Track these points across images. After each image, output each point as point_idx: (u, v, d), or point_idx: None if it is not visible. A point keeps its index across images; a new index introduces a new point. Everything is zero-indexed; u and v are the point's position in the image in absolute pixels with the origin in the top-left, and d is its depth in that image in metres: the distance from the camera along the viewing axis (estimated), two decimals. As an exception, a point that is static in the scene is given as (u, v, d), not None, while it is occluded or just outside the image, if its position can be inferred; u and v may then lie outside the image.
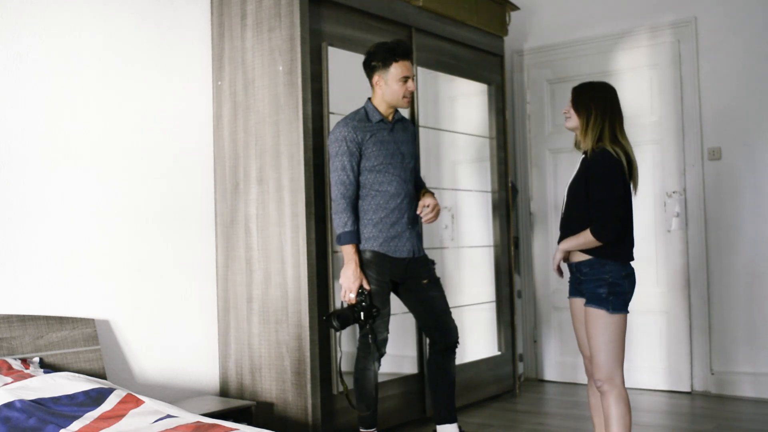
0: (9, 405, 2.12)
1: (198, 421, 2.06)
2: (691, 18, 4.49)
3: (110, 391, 2.32)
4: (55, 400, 2.22)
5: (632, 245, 2.72)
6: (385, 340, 3.07)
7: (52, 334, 2.83)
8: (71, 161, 3.03)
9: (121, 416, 2.15)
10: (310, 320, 3.20)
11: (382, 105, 3.11)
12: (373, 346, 3.01)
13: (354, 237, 3.01)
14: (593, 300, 2.65)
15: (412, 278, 3.14)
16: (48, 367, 2.75)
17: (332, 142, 3.06)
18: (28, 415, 2.09)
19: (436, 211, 3.14)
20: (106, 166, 3.16)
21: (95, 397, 2.27)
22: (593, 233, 2.61)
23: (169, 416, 2.15)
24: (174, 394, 3.31)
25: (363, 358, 3.04)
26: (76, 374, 2.45)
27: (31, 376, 2.40)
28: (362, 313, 2.95)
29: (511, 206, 4.61)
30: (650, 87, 4.64)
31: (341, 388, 3.17)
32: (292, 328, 3.25)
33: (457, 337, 3.21)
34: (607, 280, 2.65)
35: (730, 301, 4.35)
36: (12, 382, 2.30)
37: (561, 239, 2.78)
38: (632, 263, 2.73)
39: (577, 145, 2.87)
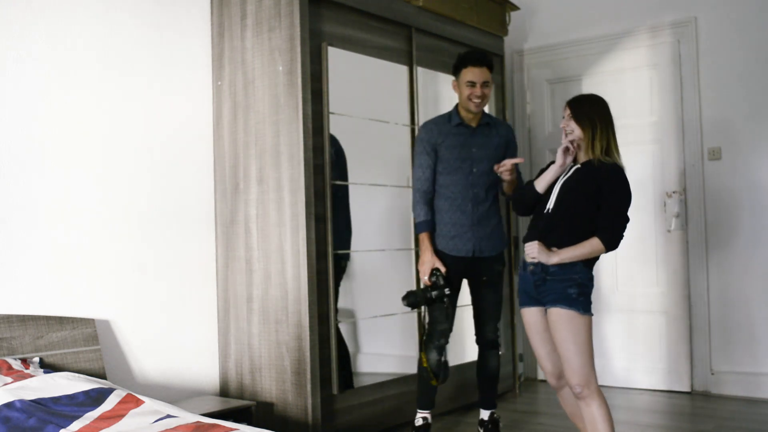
0: (9, 405, 2.12)
1: (198, 421, 2.06)
2: (691, 18, 4.49)
3: (110, 391, 2.32)
4: (55, 400, 2.22)
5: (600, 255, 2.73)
6: (444, 332, 3.25)
7: (52, 334, 2.83)
8: (71, 161, 3.03)
9: (121, 416, 2.15)
10: (310, 320, 3.20)
11: (462, 110, 3.33)
12: (428, 333, 3.25)
13: (426, 226, 3.30)
14: (562, 301, 2.60)
15: (476, 274, 3.38)
16: (48, 367, 2.75)
17: (416, 141, 3.40)
18: (28, 415, 2.09)
19: (508, 169, 3.13)
20: (106, 166, 3.16)
21: (95, 397, 2.27)
22: (605, 242, 2.62)
23: (169, 416, 2.15)
24: (174, 394, 3.31)
25: (425, 346, 3.27)
26: (76, 374, 2.45)
27: (31, 376, 2.40)
28: (434, 293, 3.18)
29: (511, 206, 4.61)
30: (650, 87, 4.64)
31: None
32: (292, 328, 3.25)
33: (492, 339, 3.42)
34: (576, 281, 2.62)
35: (729, 301, 4.35)
36: (12, 382, 2.30)
37: (540, 240, 2.68)
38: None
39: (575, 161, 2.80)
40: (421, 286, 3.28)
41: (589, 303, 2.63)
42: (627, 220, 2.68)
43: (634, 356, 4.68)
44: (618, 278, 4.69)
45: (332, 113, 3.42)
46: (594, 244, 2.62)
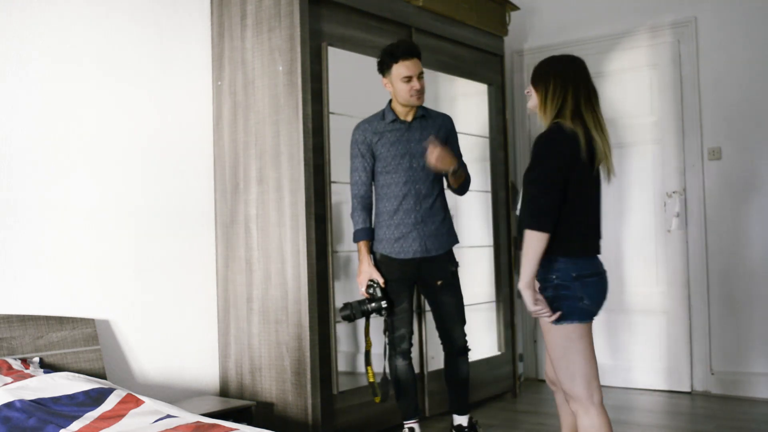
0: (9, 405, 2.12)
1: (198, 421, 2.06)
2: (691, 18, 4.49)
3: (110, 391, 2.32)
4: (55, 400, 2.22)
5: (586, 237, 2.28)
6: (403, 337, 3.16)
7: (52, 334, 2.83)
8: (72, 161, 3.03)
9: (121, 416, 2.15)
10: (310, 320, 3.20)
11: (397, 105, 3.18)
12: (388, 341, 3.14)
13: (363, 234, 3.13)
14: None
15: (427, 278, 3.21)
16: (48, 367, 2.75)
17: (351, 144, 3.19)
18: (28, 415, 2.09)
19: (436, 154, 2.98)
20: (107, 167, 3.16)
21: (95, 397, 2.27)
22: (526, 226, 2.18)
23: (169, 416, 2.15)
24: (174, 394, 3.31)
25: (388, 355, 3.18)
26: (76, 374, 2.46)
27: (31, 376, 2.40)
28: (370, 306, 3.05)
29: (511, 206, 4.61)
30: (650, 87, 4.64)
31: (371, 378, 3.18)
32: (292, 328, 3.25)
33: (463, 344, 3.26)
34: (552, 282, 2.24)
35: (729, 301, 4.35)
36: (12, 382, 2.30)
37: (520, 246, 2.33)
38: (596, 265, 2.30)
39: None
40: (358, 298, 3.11)
41: (569, 309, 2.22)
42: (544, 188, 2.18)
43: (634, 356, 4.68)
44: (619, 278, 4.69)
45: (332, 113, 3.42)
46: (526, 236, 2.19)
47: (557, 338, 2.25)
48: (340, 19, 3.50)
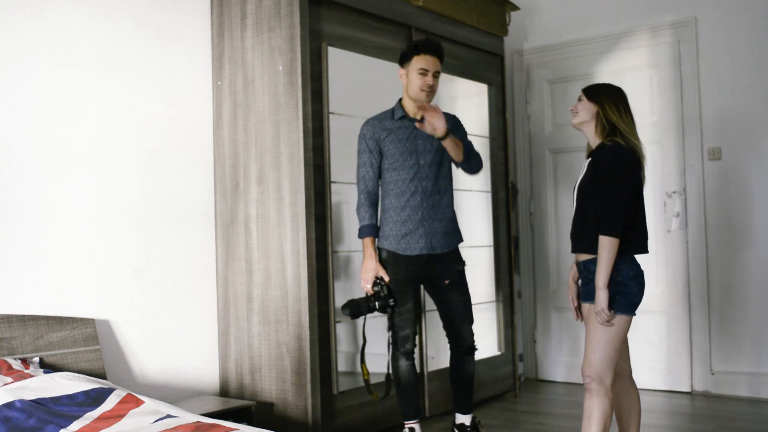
0: (9, 405, 2.12)
1: (198, 421, 2.06)
2: (691, 18, 4.49)
3: (110, 391, 2.32)
4: (55, 400, 2.22)
5: (641, 237, 2.61)
6: (407, 337, 3.17)
7: (52, 334, 2.83)
8: (72, 161, 3.03)
9: (121, 416, 2.15)
10: (310, 320, 3.20)
11: (408, 102, 3.21)
12: (391, 341, 3.13)
13: (369, 230, 3.13)
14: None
15: (434, 277, 3.22)
16: (48, 367, 2.75)
17: (358, 140, 3.22)
18: (28, 415, 2.09)
19: (431, 113, 3.03)
20: (107, 167, 3.16)
21: (95, 397, 2.27)
22: (604, 231, 2.50)
23: (169, 416, 2.15)
24: (174, 394, 3.31)
25: (392, 355, 3.17)
26: (76, 374, 2.45)
27: (31, 376, 2.40)
28: (377, 303, 3.04)
29: (511, 206, 4.61)
30: (650, 87, 4.64)
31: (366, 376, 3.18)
32: (292, 328, 3.25)
33: (471, 343, 3.28)
34: (614, 279, 2.55)
35: (729, 300, 4.35)
36: (12, 382, 2.30)
37: (575, 248, 2.68)
38: (640, 267, 2.62)
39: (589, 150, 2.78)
40: (363, 294, 3.11)
41: (627, 303, 2.55)
42: (621, 201, 2.53)
43: (634, 356, 4.65)
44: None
45: (332, 113, 3.42)
46: (602, 242, 2.51)
47: (614, 326, 2.57)
48: (340, 19, 3.51)
